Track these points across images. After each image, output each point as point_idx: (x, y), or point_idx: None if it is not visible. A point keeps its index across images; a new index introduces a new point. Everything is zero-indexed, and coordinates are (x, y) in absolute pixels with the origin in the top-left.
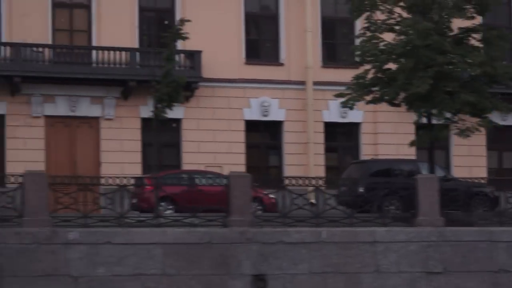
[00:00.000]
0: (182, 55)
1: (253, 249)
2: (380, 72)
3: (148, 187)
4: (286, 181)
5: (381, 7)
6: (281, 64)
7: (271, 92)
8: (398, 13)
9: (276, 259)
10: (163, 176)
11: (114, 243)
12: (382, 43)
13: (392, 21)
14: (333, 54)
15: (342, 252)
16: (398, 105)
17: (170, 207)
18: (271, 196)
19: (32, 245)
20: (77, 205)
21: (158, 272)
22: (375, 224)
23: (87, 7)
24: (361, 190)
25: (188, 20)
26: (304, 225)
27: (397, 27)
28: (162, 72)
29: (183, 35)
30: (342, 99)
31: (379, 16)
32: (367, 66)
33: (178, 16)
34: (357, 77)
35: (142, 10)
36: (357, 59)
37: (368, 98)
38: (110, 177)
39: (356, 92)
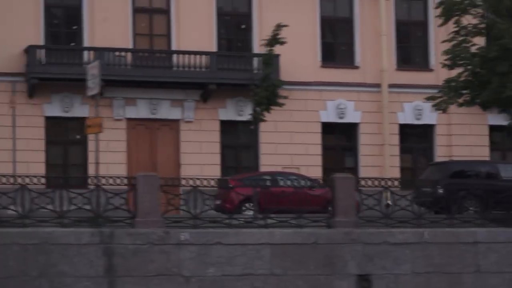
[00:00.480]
0: (259, 59)
1: (357, 249)
2: (471, 75)
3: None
4: (362, 182)
5: (472, 12)
6: (356, 67)
7: (347, 95)
8: (490, 17)
9: (380, 259)
10: (246, 178)
11: (224, 243)
12: (474, 47)
13: (482, 25)
14: (407, 57)
15: (444, 253)
16: (488, 108)
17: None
18: None
19: (145, 246)
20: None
21: (266, 272)
22: (474, 225)
23: (166, 12)
24: (440, 191)
25: (286, 25)
26: (406, 226)
27: (486, 31)
28: (261, 76)
29: (281, 40)
30: (431, 102)
31: (470, 20)
32: (441, 69)
33: (255, 20)
34: (448, 80)
35: (220, 14)
36: (447, 62)
37: (460, 101)
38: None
39: (447, 95)
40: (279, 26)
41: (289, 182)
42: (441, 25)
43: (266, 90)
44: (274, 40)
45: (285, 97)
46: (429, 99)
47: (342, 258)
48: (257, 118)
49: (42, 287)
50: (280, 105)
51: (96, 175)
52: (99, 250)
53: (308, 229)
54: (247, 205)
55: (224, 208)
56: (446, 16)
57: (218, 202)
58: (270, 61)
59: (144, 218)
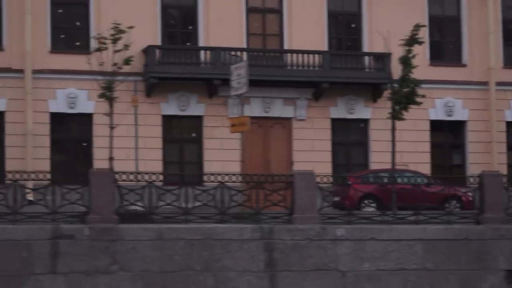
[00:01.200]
0: (370, 57)
1: (506, 245)
2: None
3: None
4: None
5: None
6: (464, 65)
7: (455, 93)
8: None
9: None
10: (364, 175)
11: (378, 239)
12: None
13: None
14: None
15: None
16: None
17: (373, 204)
18: (469, 194)
19: (303, 241)
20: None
21: (418, 267)
22: None
23: (279, 12)
24: None
25: (423, 25)
26: None
27: None
28: (400, 75)
29: (419, 40)
30: None
31: None
32: None
33: (364, 19)
34: None
35: (330, 13)
36: None
37: None
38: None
39: None
40: (417, 26)
41: (419, 180)
42: None
43: (405, 89)
44: (413, 40)
45: (423, 96)
46: None
47: (491, 253)
48: (396, 117)
49: (207, 281)
50: (419, 103)
51: (255, 173)
52: (260, 246)
53: (459, 225)
54: (366, 201)
55: (343, 205)
56: None
57: (336, 198)
58: (409, 61)
59: (301, 215)
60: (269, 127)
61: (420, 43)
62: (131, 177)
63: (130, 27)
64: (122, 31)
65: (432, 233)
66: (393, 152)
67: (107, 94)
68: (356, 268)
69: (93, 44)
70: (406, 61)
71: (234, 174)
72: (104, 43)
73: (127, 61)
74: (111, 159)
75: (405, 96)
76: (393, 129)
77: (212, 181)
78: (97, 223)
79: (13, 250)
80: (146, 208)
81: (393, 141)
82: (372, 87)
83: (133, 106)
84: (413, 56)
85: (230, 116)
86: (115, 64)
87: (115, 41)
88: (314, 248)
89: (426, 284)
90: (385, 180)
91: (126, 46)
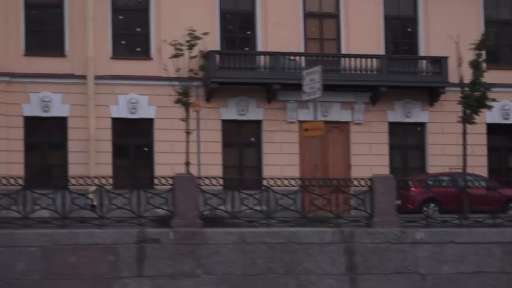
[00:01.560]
0: (427, 61)
1: None
2: None
3: (414, 188)
4: None
5: None
6: None
7: (510, 96)
8: None
9: None
10: (426, 178)
11: (457, 242)
12: None
13: None
14: None
15: None
16: None
17: (436, 208)
18: None
19: (383, 245)
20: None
21: (497, 270)
22: None
23: (336, 17)
24: None
25: (493, 31)
26: None
27: None
28: (471, 79)
29: (489, 44)
30: None
31: None
32: None
33: (420, 24)
34: None
35: (387, 18)
36: None
37: None
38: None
39: None
40: (489, 32)
41: (482, 183)
42: None
43: (476, 92)
44: (483, 44)
45: (494, 100)
46: None
47: None
48: (467, 121)
49: (289, 284)
50: (490, 107)
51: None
52: (341, 249)
53: None
54: (431, 205)
55: (405, 208)
56: None
57: (398, 202)
58: (479, 65)
59: (381, 218)
60: (327, 131)
61: (491, 47)
62: (214, 181)
63: (205, 33)
64: (197, 37)
65: (510, 236)
66: (464, 156)
67: (184, 100)
68: (436, 271)
69: (154, 50)
70: (476, 65)
71: (313, 179)
72: (181, 49)
73: (203, 67)
74: (187, 164)
75: (476, 100)
76: (464, 133)
77: (271, 185)
78: (182, 227)
79: (101, 254)
80: (229, 212)
81: (464, 145)
82: (429, 90)
83: (195, 111)
84: (484, 60)
85: (289, 120)
86: (191, 70)
87: (190, 47)
88: (394, 251)
89: (505, 286)
90: (445, 184)
91: (202, 52)
